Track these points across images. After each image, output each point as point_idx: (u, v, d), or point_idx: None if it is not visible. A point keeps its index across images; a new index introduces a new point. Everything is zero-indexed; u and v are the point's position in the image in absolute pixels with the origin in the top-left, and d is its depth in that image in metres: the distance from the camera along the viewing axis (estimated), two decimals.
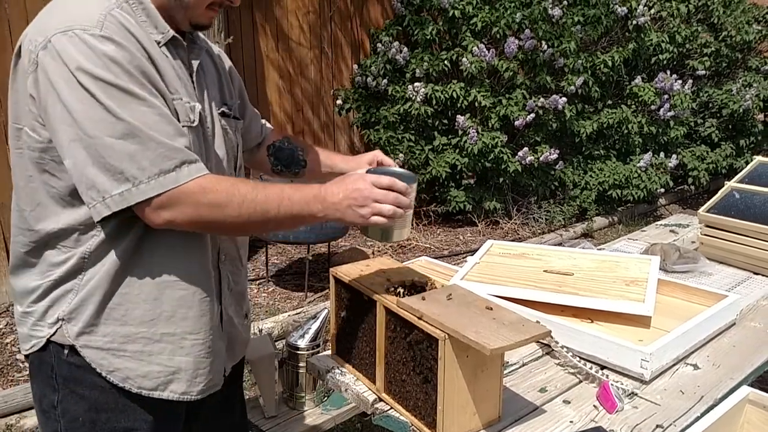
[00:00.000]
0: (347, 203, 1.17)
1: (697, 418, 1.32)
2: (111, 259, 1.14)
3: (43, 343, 1.19)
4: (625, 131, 5.49)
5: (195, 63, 1.23)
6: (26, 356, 1.24)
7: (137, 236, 1.15)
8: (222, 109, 1.29)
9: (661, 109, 5.50)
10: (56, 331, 1.17)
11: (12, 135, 1.14)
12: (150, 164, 1.06)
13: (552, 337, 1.53)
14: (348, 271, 1.47)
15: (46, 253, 1.17)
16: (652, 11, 5.55)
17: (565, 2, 5.09)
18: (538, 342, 1.61)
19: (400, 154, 4.75)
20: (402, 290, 1.37)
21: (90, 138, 1.03)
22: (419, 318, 1.22)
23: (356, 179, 1.19)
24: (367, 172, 1.27)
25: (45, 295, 1.17)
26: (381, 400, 1.38)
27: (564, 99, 4.91)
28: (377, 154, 1.48)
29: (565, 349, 1.52)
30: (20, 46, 1.09)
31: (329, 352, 1.59)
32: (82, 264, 1.15)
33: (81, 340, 1.17)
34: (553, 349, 1.57)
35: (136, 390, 1.20)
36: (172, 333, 1.20)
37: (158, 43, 1.14)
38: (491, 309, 1.26)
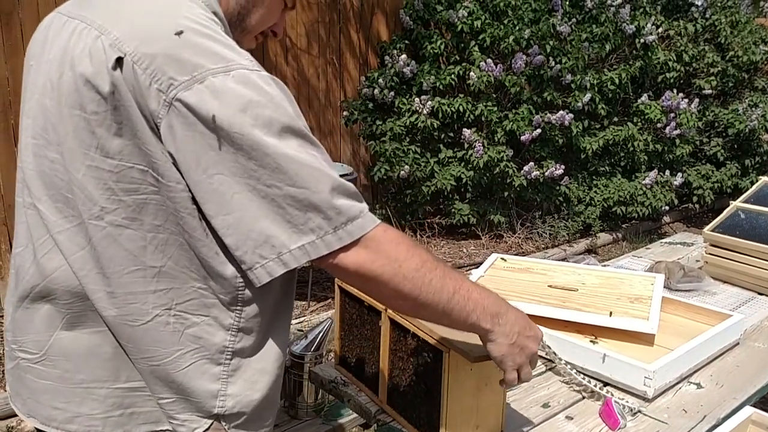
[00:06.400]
0: (518, 344, 1.07)
1: None
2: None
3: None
4: (631, 148, 5.49)
5: None
6: None
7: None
8: None
9: (667, 128, 5.51)
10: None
11: None
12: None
13: (555, 353, 1.53)
14: None
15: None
16: (660, 30, 5.57)
17: (574, 19, 5.11)
18: (541, 357, 1.61)
19: (406, 166, 4.76)
20: None
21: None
22: (423, 330, 1.23)
23: (533, 326, 1.10)
24: None
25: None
26: (383, 411, 1.38)
27: (571, 115, 4.93)
28: None
29: (568, 366, 1.52)
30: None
31: (332, 361, 1.59)
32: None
33: None
34: (556, 365, 1.57)
35: None
36: None
37: None
38: None
